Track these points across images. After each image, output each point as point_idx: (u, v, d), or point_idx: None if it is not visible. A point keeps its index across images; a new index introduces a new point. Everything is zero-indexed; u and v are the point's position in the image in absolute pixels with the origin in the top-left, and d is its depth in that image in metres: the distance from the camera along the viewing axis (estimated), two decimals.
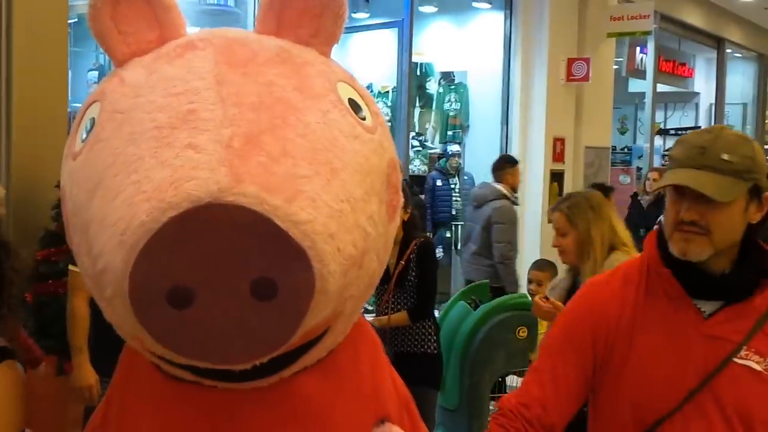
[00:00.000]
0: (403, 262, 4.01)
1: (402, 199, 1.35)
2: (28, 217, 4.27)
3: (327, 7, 1.26)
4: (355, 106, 1.24)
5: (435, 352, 4.17)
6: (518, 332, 4.84)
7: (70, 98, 7.04)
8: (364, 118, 1.24)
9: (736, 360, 1.76)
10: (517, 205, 6.84)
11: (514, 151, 8.81)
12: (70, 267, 3.63)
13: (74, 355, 3.62)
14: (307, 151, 1.09)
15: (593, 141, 9.74)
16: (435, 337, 4.17)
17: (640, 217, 8.29)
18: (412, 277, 4.06)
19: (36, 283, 4.19)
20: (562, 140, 9.07)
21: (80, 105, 1.29)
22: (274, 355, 1.11)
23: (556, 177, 9.06)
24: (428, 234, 4.43)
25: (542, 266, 5.69)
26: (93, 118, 1.20)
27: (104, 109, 1.18)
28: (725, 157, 1.76)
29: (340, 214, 1.08)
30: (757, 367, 1.76)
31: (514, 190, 6.75)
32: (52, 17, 4.63)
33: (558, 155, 8.94)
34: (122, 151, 1.09)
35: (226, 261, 0.99)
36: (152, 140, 1.07)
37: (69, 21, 5.06)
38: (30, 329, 3.72)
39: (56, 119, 4.71)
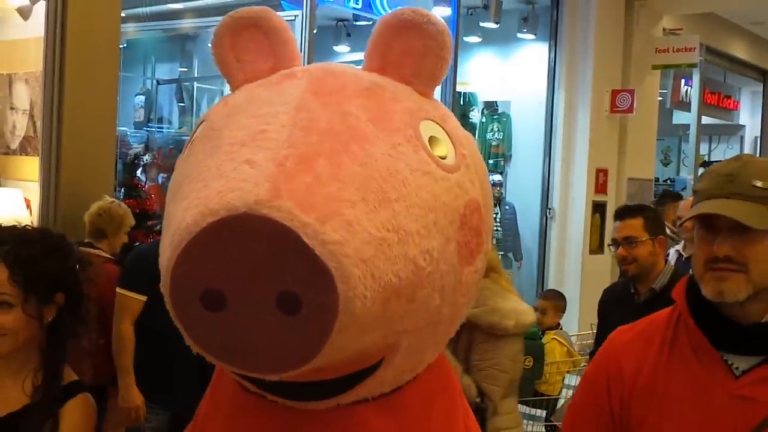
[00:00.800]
0: None
1: (487, 245, 1.35)
2: (76, 237, 4.32)
3: (430, 48, 1.31)
4: (436, 144, 1.26)
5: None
6: (524, 362, 4.78)
7: (118, 120, 7.17)
8: (444, 157, 1.26)
9: None
10: (674, 240, 6.65)
11: (556, 182, 8.77)
12: (118, 290, 3.64)
13: (121, 376, 3.65)
14: (360, 178, 1.12)
15: (636, 172, 9.65)
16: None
17: None
18: None
19: None
20: (605, 171, 9.00)
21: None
22: (326, 378, 1.18)
23: (599, 208, 8.98)
24: None
25: (547, 296, 5.65)
26: (197, 135, 1.30)
27: (204, 127, 1.28)
28: (757, 183, 1.59)
29: (381, 242, 1.09)
30: None
31: (673, 224, 6.74)
32: (104, 42, 4.73)
33: (601, 186, 8.87)
34: (201, 163, 1.18)
35: (256, 271, 1.04)
36: (223, 154, 1.15)
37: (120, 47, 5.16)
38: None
39: (105, 141, 4.79)
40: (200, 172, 1.17)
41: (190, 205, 1.10)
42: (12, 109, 5.43)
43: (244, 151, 1.13)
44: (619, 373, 1.71)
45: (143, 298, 3.59)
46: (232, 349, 1.10)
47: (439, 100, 5.47)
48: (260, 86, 1.29)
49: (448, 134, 1.30)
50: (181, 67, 13.07)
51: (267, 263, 1.03)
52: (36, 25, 4.66)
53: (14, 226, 1.92)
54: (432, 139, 1.26)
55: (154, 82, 11.87)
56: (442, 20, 1.34)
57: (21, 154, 5.17)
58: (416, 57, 1.31)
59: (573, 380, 4.70)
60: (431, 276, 1.18)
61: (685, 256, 5.53)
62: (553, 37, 8.97)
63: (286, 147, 1.12)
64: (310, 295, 1.04)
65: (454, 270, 1.24)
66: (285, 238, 1.02)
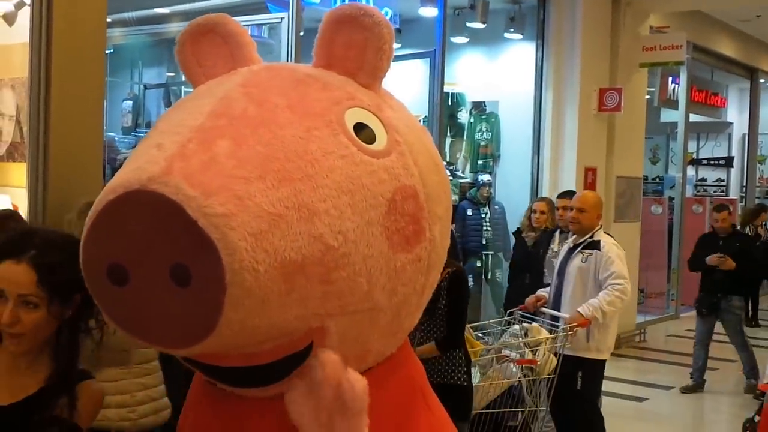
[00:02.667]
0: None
1: (430, 231, 1.34)
2: None
3: (369, 41, 1.35)
4: (363, 130, 1.30)
5: (465, 383, 4.11)
6: None
7: (105, 126, 7.14)
8: (371, 143, 1.29)
9: None
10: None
11: (545, 181, 8.78)
12: None
13: None
14: (260, 158, 1.17)
15: (625, 171, 9.68)
16: (465, 368, 4.11)
17: (524, 258, 6.82)
18: (441, 305, 4.00)
19: None
20: (593, 170, 9.03)
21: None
22: (260, 364, 1.24)
23: None
24: (460, 264, 4.35)
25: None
26: None
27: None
28: None
29: (277, 218, 1.13)
30: None
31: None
32: (90, 47, 4.70)
33: (589, 185, 8.88)
34: (136, 149, 1.28)
35: (150, 244, 1.10)
36: (144, 143, 1.25)
37: (106, 52, 5.14)
38: None
39: (92, 146, 4.77)
40: (128, 158, 1.26)
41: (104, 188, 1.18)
42: None
43: (159, 137, 1.21)
44: None
45: None
46: (138, 322, 1.16)
47: (427, 100, 5.49)
48: (206, 84, 1.37)
49: (382, 122, 1.33)
50: (168, 72, 13.05)
51: (159, 237, 1.09)
52: (21, 31, 4.63)
53: (38, 229, 2.07)
54: (358, 126, 1.29)
55: (142, 86, 11.83)
56: (382, 13, 1.37)
57: (8, 161, 5.13)
58: (358, 50, 1.36)
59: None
60: (348, 258, 1.20)
61: None
62: (540, 36, 8.99)
63: (194, 132, 1.19)
64: (198, 267, 1.08)
65: (384, 256, 1.26)
66: (172, 212, 1.08)
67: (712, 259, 7.43)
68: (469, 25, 8.89)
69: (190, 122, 1.22)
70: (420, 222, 1.32)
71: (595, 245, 4.90)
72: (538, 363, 4.68)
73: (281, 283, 1.13)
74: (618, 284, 4.72)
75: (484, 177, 9.03)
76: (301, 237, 1.15)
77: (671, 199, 12.51)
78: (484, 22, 8.47)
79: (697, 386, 7.62)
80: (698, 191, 15.49)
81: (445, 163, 9.16)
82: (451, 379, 4.05)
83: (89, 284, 1.18)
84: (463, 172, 9.70)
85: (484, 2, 8.24)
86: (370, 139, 1.30)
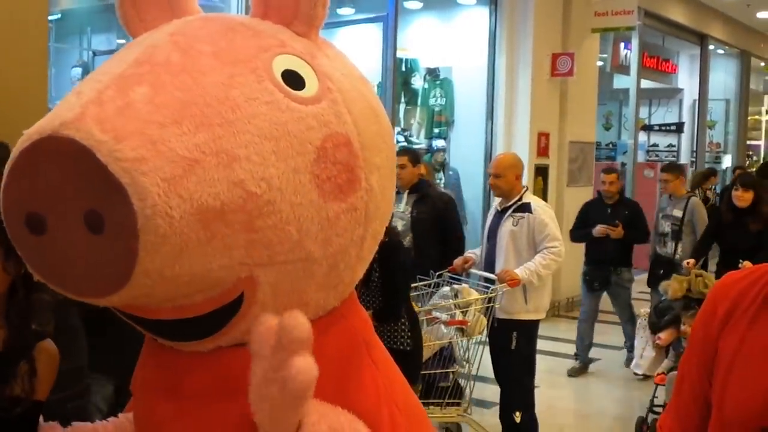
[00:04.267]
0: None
1: (367, 181, 1.32)
2: None
3: None
4: (292, 77, 1.27)
5: (409, 348, 4.11)
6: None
7: (53, 94, 6.98)
8: (299, 90, 1.27)
9: None
10: None
11: (499, 146, 8.80)
12: None
13: None
14: (178, 103, 1.14)
15: (578, 136, 9.75)
16: (408, 333, 4.12)
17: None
18: (375, 277, 4.00)
19: None
20: (546, 135, 9.08)
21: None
22: (192, 316, 1.22)
23: (541, 171, 9.07)
24: (396, 233, 4.31)
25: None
26: None
27: None
28: None
29: (192, 163, 1.11)
30: None
31: None
32: (31, 12, 4.58)
33: (543, 150, 8.94)
34: None
35: (64, 191, 1.08)
36: (69, 92, 1.20)
37: (53, 17, 5.01)
38: None
39: (35, 115, 4.65)
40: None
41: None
42: None
43: (80, 86, 1.18)
44: (713, 315, 1.61)
45: None
46: (57, 271, 1.14)
47: (380, 66, 5.43)
48: (142, 36, 1.34)
49: (313, 69, 1.31)
50: (118, 38, 12.80)
51: (73, 183, 1.07)
52: None
53: None
54: (288, 73, 1.27)
55: (91, 53, 11.60)
56: None
57: None
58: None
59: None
60: (273, 205, 1.18)
61: None
62: (493, 1, 8.98)
63: (115, 79, 1.17)
64: (109, 213, 1.06)
65: (314, 204, 1.23)
66: (83, 157, 1.05)
67: (600, 230, 6.94)
68: None
69: (114, 70, 1.20)
70: (354, 171, 1.29)
71: (525, 208, 4.89)
72: (469, 324, 4.72)
73: (200, 230, 1.11)
74: (553, 247, 4.77)
75: (439, 143, 9.03)
76: (220, 183, 1.12)
77: (623, 164, 12.64)
78: None
79: (584, 367, 7.26)
80: (650, 157, 15.68)
81: (399, 129, 9.11)
82: (394, 344, 4.07)
83: (10, 234, 1.15)
84: (417, 138, 9.70)
85: None
86: (299, 85, 1.27)
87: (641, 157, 13.99)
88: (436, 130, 9.52)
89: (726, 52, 16.70)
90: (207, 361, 1.31)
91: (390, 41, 7.75)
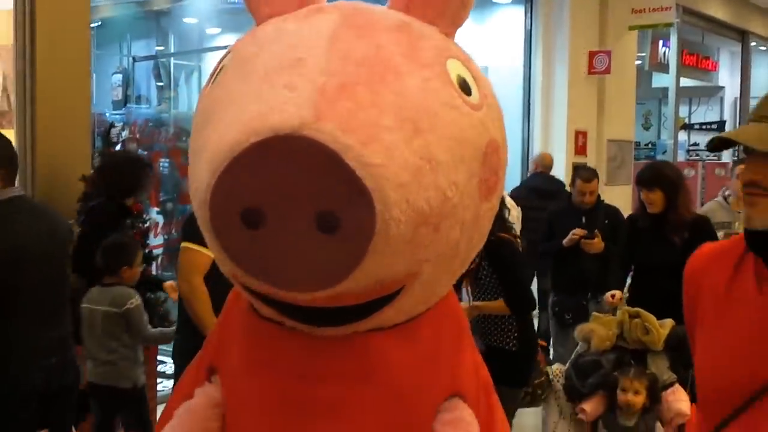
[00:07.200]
0: (477, 259, 3.89)
1: (501, 186, 1.39)
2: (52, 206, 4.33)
3: None
4: (462, 82, 1.30)
5: (514, 349, 4.03)
6: None
7: (95, 100, 7.12)
8: (469, 95, 1.29)
9: None
10: None
11: (536, 144, 8.79)
12: (185, 244, 3.41)
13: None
14: (396, 107, 1.16)
15: (616, 134, 9.69)
16: (515, 334, 4.04)
17: None
18: (483, 275, 4.01)
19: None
20: (584, 133, 9.04)
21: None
22: (347, 305, 1.22)
23: None
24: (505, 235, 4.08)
25: None
26: (224, 66, 1.33)
27: (232, 57, 1.31)
28: None
29: (416, 169, 1.14)
30: None
31: None
32: (74, 20, 4.69)
33: (580, 148, 8.91)
34: (233, 89, 1.22)
35: (297, 190, 1.08)
36: (259, 80, 1.18)
37: (93, 24, 5.12)
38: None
39: (79, 119, 4.78)
40: (234, 97, 1.20)
41: (228, 127, 1.13)
42: None
43: (283, 77, 1.16)
44: (693, 285, 1.70)
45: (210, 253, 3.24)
46: (268, 266, 1.15)
47: None
48: (288, 20, 1.32)
49: (472, 74, 1.34)
50: (157, 45, 12.97)
51: (308, 183, 1.08)
52: None
53: None
54: (459, 78, 1.29)
55: (131, 59, 11.76)
56: None
57: None
58: None
59: None
60: (456, 208, 1.23)
61: None
62: (529, 0, 8.96)
63: (325, 74, 1.15)
64: (349, 215, 1.08)
65: (475, 205, 1.29)
66: (328, 159, 1.06)
67: (572, 237, 5.28)
68: None
69: (312, 63, 1.18)
70: (498, 173, 1.35)
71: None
72: None
73: (410, 232, 1.15)
74: None
75: None
76: (431, 188, 1.16)
77: None
78: None
79: None
80: (691, 156, 15.50)
81: None
82: (498, 342, 4.03)
83: (215, 227, 1.15)
84: None
85: None
86: (468, 91, 1.30)
87: (681, 157, 13.84)
88: None
89: None
90: (341, 346, 1.33)
91: None
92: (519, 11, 9.10)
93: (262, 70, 1.20)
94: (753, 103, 15.38)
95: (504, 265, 3.98)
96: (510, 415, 3.98)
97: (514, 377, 3.98)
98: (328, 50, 1.20)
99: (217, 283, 3.26)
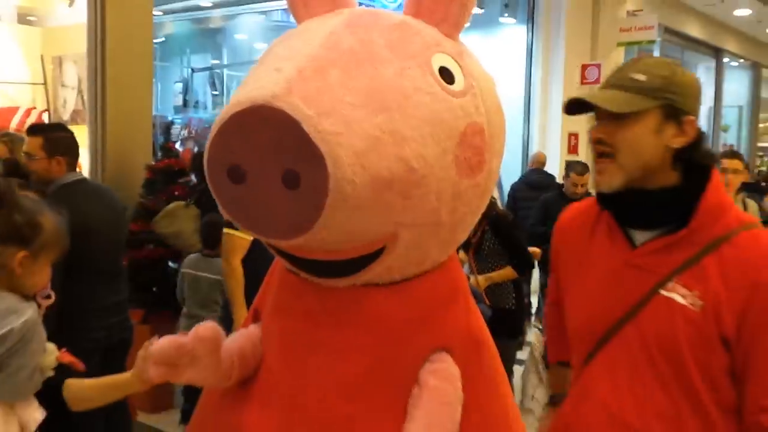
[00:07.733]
0: (479, 233, 3.98)
1: (490, 163, 1.38)
2: (120, 193, 4.36)
3: None
4: (444, 72, 1.32)
5: (513, 307, 4.09)
6: None
7: (159, 105, 7.15)
8: (451, 83, 1.31)
9: (662, 292, 1.48)
10: None
11: (535, 144, 8.73)
12: (226, 230, 3.39)
13: (236, 310, 3.37)
14: (367, 89, 1.19)
15: None
16: (513, 294, 4.09)
17: None
18: (486, 246, 4.01)
19: (131, 249, 4.27)
20: (576, 135, 8.95)
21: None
22: (340, 259, 1.28)
23: None
24: (502, 210, 4.24)
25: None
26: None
27: (266, 50, 1.38)
28: (635, 76, 1.51)
29: (375, 140, 1.16)
30: (681, 301, 1.46)
31: None
32: (139, 32, 4.71)
33: (573, 147, 8.82)
34: (251, 74, 1.29)
35: (269, 152, 1.13)
36: (264, 65, 1.26)
37: (157, 41, 5.14)
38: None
39: (142, 117, 4.81)
40: (247, 78, 1.28)
41: (230, 101, 1.20)
42: (63, 86, 5.45)
43: (280, 62, 1.22)
44: (562, 241, 1.75)
45: (249, 237, 3.25)
46: (250, 216, 1.20)
47: None
48: (314, 20, 1.38)
49: (461, 67, 1.35)
50: (213, 58, 13.03)
51: (277, 146, 1.12)
52: (80, 12, 4.65)
53: None
54: (442, 69, 1.32)
55: (189, 70, 11.84)
56: None
57: (72, 124, 5.19)
58: (444, 4, 1.39)
59: None
60: (426, 179, 1.24)
61: None
62: (530, 20, 8.90)
63: (309, 60, 1.21)
64: (307, 174, 1.11)
65: (451, 179, 1.29)
66: (291, 126, 1.10)
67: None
68: None
69: (304, 50, 1.24)
70: (483, 154, 1.35)
71: None
72: None
73: (371, 195, 1.17)
74: None
75: None
76: (391, 158, 1.18)
77: None
78: (480, 8, 8.37)
79: None
80: None
81: None
82: (501, 303, 4.04)
83: (211, 180, 1.21)
84: None
85: None
86: (451, 80, 1.32)
87: None
88: None
89: (739, 64, 16.21)
90: (346, 296, 1.38)
91: None
92: (522, 29, 9.04)
93: (272, 57, 1.27)
94: (724, 111, 15.23)
95: (507, 234, 4.04)
96: (509, 371, 4.04)
97: (514, 330, 4.14)
98: (321, 42, 1.25)
99: (254, 263, 3.40)
